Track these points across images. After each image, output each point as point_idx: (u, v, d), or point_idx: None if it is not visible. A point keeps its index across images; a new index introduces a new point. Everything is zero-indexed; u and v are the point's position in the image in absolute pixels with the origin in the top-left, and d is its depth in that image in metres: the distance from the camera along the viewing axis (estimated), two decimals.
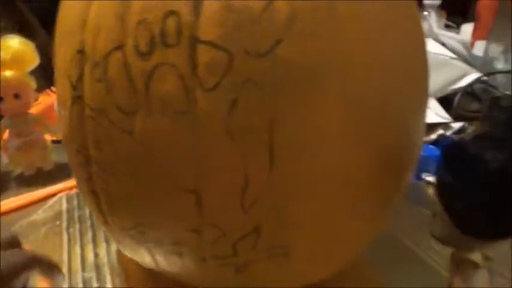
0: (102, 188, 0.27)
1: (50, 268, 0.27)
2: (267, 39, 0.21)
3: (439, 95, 0.65)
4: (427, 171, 0.55)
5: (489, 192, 0.22)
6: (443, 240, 0.26)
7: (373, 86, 0.24)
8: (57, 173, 0.58)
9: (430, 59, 0.77)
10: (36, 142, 0.58)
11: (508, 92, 0.64)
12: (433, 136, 0.58)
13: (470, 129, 0.61)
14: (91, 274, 0.38)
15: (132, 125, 0.23)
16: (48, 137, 0.60)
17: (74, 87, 0.25)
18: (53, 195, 0.52)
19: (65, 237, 0.44)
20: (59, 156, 0.60)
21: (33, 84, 0.55)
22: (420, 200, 0.53)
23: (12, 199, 0.51)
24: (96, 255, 0.41)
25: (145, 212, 0.26)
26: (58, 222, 0.47)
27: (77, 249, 0.42)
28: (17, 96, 0.54)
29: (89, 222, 0.46)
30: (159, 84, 0.22)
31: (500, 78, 0.73)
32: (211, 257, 0.27)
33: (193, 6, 0.21)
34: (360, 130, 0.24)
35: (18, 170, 0.59)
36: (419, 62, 0.31)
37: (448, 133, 0.58)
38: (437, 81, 0.67)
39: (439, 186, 0.24)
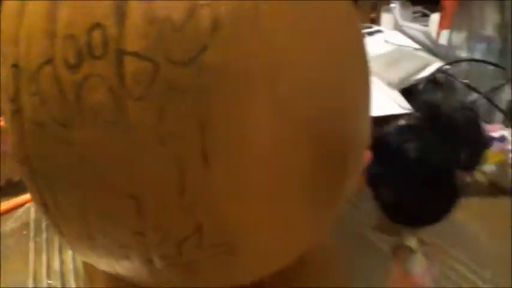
0: (50, 200, 0.28)
1: None
2: (191, 47, 0.22)
3: (403, 86, 0.67)
4: None
5: (410, 180, 0.24)
6: (380, 229, 0.28)
7: (303, 86, 0.26)
8: None
9: (395, 51, 0.79)
10: (5, 153, 0.58)
11: (466, 80, 0.66)
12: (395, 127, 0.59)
13: None
14: (56, 281, 0.39)
15: (69, 136, 0.24)
16: None
17: (12, 101, 0.26)
18: (21, 205, 0.52)
19: (32, 246, 0.45)
20: None
21: None
22: None
23: None
24: (63, 262, 0.42)
25: (92, 219, 0.27)
26: (25, 232, 0.47)
27: (43, 258, 0.43)
28: None
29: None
30: (89, 96, 0.23)
31: (464, 66, 0.75)
32: (158, 258, 0.28)
33: (117, 19, 0.22)
34: (292, 131, 0.25)
35: None
36: (355, 61, 0.32)
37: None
38: (400, 72, 0.68)
39: (368, 176, 0.25)
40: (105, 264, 0.31)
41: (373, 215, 0.28)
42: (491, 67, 0.69)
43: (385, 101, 0.64)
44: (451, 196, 0.25)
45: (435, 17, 0.95)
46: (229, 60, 0.23)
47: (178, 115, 0.23)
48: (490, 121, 0.60)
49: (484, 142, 0.25)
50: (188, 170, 0.24)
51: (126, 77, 0.22)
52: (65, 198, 0.27)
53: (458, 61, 0.70)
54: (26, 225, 0.49)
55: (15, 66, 0.25)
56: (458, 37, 0.77)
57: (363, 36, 0.34)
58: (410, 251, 0.27)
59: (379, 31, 0.86)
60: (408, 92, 0.69)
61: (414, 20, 0.98)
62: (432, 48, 0.80)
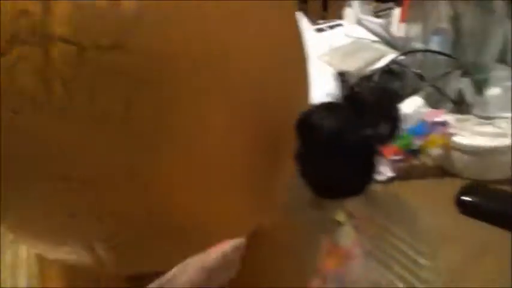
0: None
1: None
2: (115, 31, 0.24)
3: (359, 76, 0.69)
4: None
5: (330, 155, 0.25)
6: (310, 205, 0.29)
7: (236, 71, 0.27)
8: None
9: (352, 44, 0.81)
10: None
11: (418, 70, 0.69)
12: None
13: None
14: (6, 274, 0.39)
15: (2, 120, 0.25)
16: None
17: None
18: None
19: None
20: None
21: None
22: None
23: None
24: (16, 256, 0.42)
25: (30, 204, 0.28)
26: None
27: None
28: None
29: None
30: (19, 79, 0.24)
31: (419, 56, 0.78)
32: (99, 242, 0.29)
33: (44, 5, 0.23)
34: (220, 114, 0.27)
35: None
36: (293, 49, 0.33)
37: None
38: (357, 63, 0.70)
39: (294, 154, 0.27)
40: (52, 253, 0.32)
41: (303, 192, 0.29)
42: (444, 57, 0.72)
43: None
44: (369, 169, 0.27)
45: (397, 11, 0.98)
46: (153, 44, 0.24)
47: (106, 96, 0.24)
48: (440, 108, 0.62)
49: (396, 118, 0.27)
50: (120, 151, 0.25)
51: (54, 61, 0.23)
52: (2, 184, 0.28)
53: (411, 52, 0.73)
54: None
55: None
56: (414, 29, 0.80)
57: (298, 24, 0.35)
58: (339, 224, 0.29)
59: (339, 25, 0.88)
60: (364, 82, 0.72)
61: (376, 14, 1.01)
62: (390, 41, 0.82)
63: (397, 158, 0.53)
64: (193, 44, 0.25)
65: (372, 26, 0.84)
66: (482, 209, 0.46)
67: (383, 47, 0.77)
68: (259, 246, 0.36)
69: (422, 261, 0.41)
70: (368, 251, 0.31)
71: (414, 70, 0.69)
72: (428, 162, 0.57)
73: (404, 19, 0.88)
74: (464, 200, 0.47)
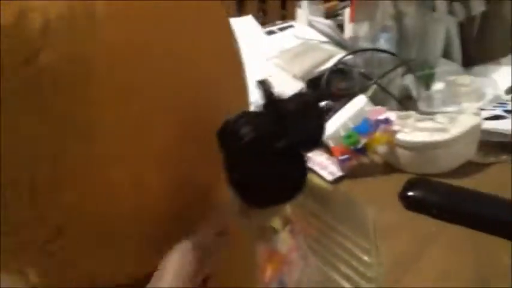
0: None
1: None
2: (22, 51, 0.23)
3: (307, 77, 0.70)
4: None
5: (249, 164, 0.25)
6: (242, 214, 0.29)
7: (147, 84, 0.27)
8: None
9: (301, 45, 0.82)
10: None
11: (362, 70, 0.70)
12: None
13: (338, 106, 0.66)
14: None
15: None
16: None
17: None
18: None
19: None
20: None
21: None
22: None
23: None
24: None
25: None
26: None
27: None
28: None
29: None
30: None
31: (368, 55, 0.80)
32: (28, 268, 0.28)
33: None
34: (137, 129, 0.26)
35: None
36: (217, 54, 0.33)
37: None
38: (305, 64, 0.71)
39: (223, 162, 0.27)
40: None
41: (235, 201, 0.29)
42: (390, 55, 0.74)
43: (290, 93, 0.67)
44: (295, 176, 0.28)
45: (348, 11, 1.00)
46: (63, 62, 0.23)
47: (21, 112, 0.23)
48: (386, 105, 0.64)
49: (319, 125, 0.27)
50: (38, 170, 0.24)
51: None
52: None
53: (357, 51, 0.74)
54: None
55: None
56: (361, 28, 0.82)
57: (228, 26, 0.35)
58: (274, 230, 0.29)
59: (290, 26, 0.89)
60: (317, 83, 0.73)
61: (339, 13, 1.03)
62: (340, 41, 0.84)
63: (344, 157, 0.54)
64: (106, 58, 0.25)
65: (321, 26, 0.86)
66: (425, 203, 0.47)
67: (332, 48, 0.78)
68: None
69: (367, 258, 0.41)
70: (307, 253, 0.32)
71: (359, 69, 0.70)
72: (376, 159, 0.58)
73: (353, 19, 0.90)
74: (407, 195, 0.49)
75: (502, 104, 0.66)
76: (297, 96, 0.28)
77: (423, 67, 0.77)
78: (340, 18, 1.14)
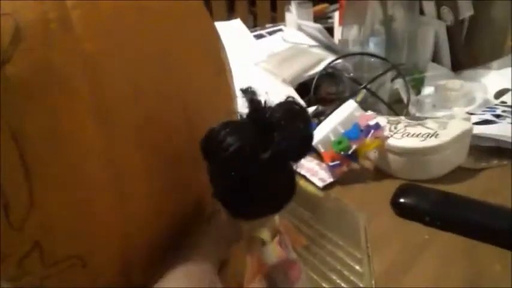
0: None
1: None
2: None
3: (296, 82, 0.69)
4: None
5: (233, 175, 0.24)
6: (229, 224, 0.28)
7: (127, 91, 0.25)
8: None
9: (290, 49, 0.81)
10: None
11: (352, 74, 0.70)
12: None
13: (328, 111, 0.65)
14: None
15: None
16: None
17: None
18: None
19: None
20: None
21: None
22: None
23: None
24: None
25: None
26: None
27: None
28: None
29: None
30: None
31: (358, 59, 0.79)
32: (4, 281, 0.26)
33: None
34: (118, 137, 0.25)
35: None
36: (207, 59, 0.32)
37: None
38: (293, 69, 0.70)
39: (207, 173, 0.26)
40: None
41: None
42: (379, 59, 0.74)
43: (279, 98, 0.66)
44: (281, 186, 0.27)
45: (337, 14, 1.00)
46: (34, 71, 0.22)
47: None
48: (376, 110, 0.63)
49: (305, 135, 0.26)
50: (10, 184, 0.23)
51: None
52: None
53: (347, 55, 0.73)
54: None
55: None
56: (349, 32, 0.82)
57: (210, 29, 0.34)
58: (263, 242, 0.28)
59: (279, 30, 0.88)
60: (306, 87, 0.72)
61: (330, 15, 1.02)
62: (329, 45, 0.83)
63: (335, 163, 0.53)
64: (80, 67, 0.24)
65: (310, 30, 0.85)
66: (417, 210, 0.46)
67: (321, 52, 0.78)
68: None
69: (359, 268, 0.41)
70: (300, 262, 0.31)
71: (347, 74, 0.70)
72: (367, 165, 0.57)
73: (341, 22, 0.90)
74: (399, 202, 0.48)
75: (491, 108, 0.65)
76: (283, 104, 0.27)
77: (413, 71, 0.77)
78: (330, 21, 1.14)
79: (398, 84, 0.71)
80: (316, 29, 0.83)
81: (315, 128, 0.60)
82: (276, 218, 0.29)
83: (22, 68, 0.22)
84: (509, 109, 0.63)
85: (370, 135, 0.52)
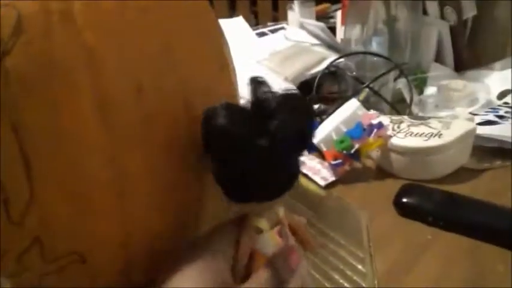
0: None
1: None
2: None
3: (298, 80, 0.69)
4: None
5: (234, 158, 0.24)
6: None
7: (126, 84, 0.25)
8: None
9: (292, 47, 0.81)
10: None
11: (354, 73, 0.69)
12: None
13: (330, 109, 0.65)
14: None
15: None
16: None
17: None
18: None
19: None
20: None
21: None
22: None
23: None
24: None
25: None
26: None
27: None
28: None
29: None
30: None
31: (361, 58, 0.79)
32: (4, 277, 0.26)
33: None
34: (119, 131, 0.25)
35: None
36: (211, 57, 0.32)
37: None
38: (295, 67, 0.70)
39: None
40: None
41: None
42: (382, 59, 0.73)
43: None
44: (280, 174, 0.26)
45: (339, 14, 0.99)
46: (35, 64, 0.22)
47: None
48: (379, 109, 0.63)
49: (307, 124, 0.26)
50: (11, 178, 0.23)
51: None
52: None
53: (349, 54, 0.73)
54: None
55: None
56: (352, 31, 0.81)
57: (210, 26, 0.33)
58: (260, 230, 0.28)
59: (282, 28, 0.88)
60: (307, 86, 0.72)
61: (332, 15, 1.02)
62: (331, 43, 0.83)
63: (337, 161, 0.53)
64: (83, 59, 0.23)
65: (312, 29, 0.85)
66: (420, 210, 0.46)
67: (323, 50, 0.77)
68: None
69: (361, 268, 0.40)
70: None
71: (350, 73, 0.69)
72: (369, 164, 0.57)
73: (344, 22, 0.89)
74: (402, 202, 0.48)
75: (494, 109, 0.65)
76: (286, 95, 0.26)
77: (415, 71, 0.76)
78: (332, 20, 1.14)
79: (401, 83, 0.70)
80: (318, 28, 0.83)
81: (317, 127, 0.59)
82: (281, 210, 0.29)
83: (23, 60, 0.22)
84: None
85: (373, 134, 0.52)
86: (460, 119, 0.54)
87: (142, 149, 0.26)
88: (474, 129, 0.53)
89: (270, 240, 0.28)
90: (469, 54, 0.81)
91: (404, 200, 0.48)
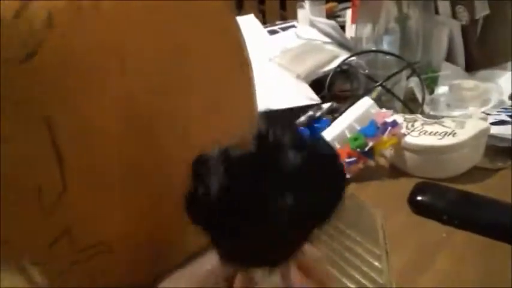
0: None
1: None
2: (24, 44, 0.21)
3: (310, 78, 0.69)
4: None
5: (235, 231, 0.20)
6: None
7: (152, 77, 0.25)
8: None
9: (304, 45, 0.81)
10: None
11: (367, 71, 0.69)
12: (303, 118, 0.61)
13: (342, 107, 0.65)
14: None
15: None
16: None
17: None
18: None
19: None
20: None
21: None
22: None
23: None
24: None
25: None
26: None
27: None
28: None
29: None
30: None
31: (372, 56, 0.79)
32: (30, 264, 0.26)
33: None
34: (140, 121, 0.25)
35: None
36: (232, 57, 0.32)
37: (318, 114, 0.62)
38: (308, 65, 0.70)
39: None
40: None
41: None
42: (394, 57, 0.73)
43: (294, 93, 0.66)
44: (293, 243, 0.21)
45: (350, 12, 0.99)
46: (65, 58, 0.22)
47: (22, 113, 0.22)
48: (391, 108, 0.63)
49: (337, 190, 0.20)
50: (42, 170, 0.23)
51: None
52: None
53: (362, 53, 0.73)
54: None
55: None
56: (363, 30, 0.81)
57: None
58: (254, 283, 0.24)
59: (292, 26, 0.88)
60: (319, 84, 0.72)
61: (339, 14, 1.02)
62: (342, 42, 0.83)
63: (351, 159, 0.53)
64: (110, 51, 0.24)
65: (323, 27, 0.85)
66: (435, 209, 0.46)
67: (335, 49, 0.77)
68: None
69: (378, 264, 0.40)
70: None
71: (362, 71, 0.69)
72: (383, 162, 0.57)
73: (354, 20, 0.89)
74: (416, 200, 0.48)
75: (506, 109, 0.65)
76: (314, 152, 0.19)
77: (427, 70, 0.76)
78: (339, 20, 1.13)
79: (413, 82, 0.71)
80: (329, 26, 0.83)
81: (329, 125, 0.59)
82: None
83: (53, 54, 0.22)
84: None
85: (387, 133, 0.52)
86: (474, 118, 0.55)
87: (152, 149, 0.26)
88: (488, 129, 0.53)
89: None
90: (480, 54, 0.81)
91: (419, 198, 0.48)
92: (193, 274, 0.26)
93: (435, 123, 0.54)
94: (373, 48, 0.77)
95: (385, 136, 0.52)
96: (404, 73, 0.69)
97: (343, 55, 0.75)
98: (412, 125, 0.54)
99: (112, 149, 0.24)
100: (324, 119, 0.62)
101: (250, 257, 0.21)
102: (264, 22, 1.60)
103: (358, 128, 0.55)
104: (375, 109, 0.57)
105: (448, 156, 0.51)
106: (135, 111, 0.24)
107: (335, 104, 0.64)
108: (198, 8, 0.29)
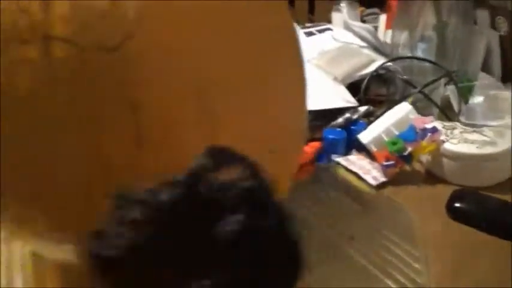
0: None
1: None
2: (116, 34, 0.23)
3: (348, 81, 0.70)
4: (335, 153, 0.59)
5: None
6: None
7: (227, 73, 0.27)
8: None
9: (341, 48, 0.82)
10: None
11: (405, 77, 0.70)
12: (341, 120, 0.62)
13: (378, 111, 0.65)
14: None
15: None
16: None
17: None
18: None
19: None
20: None
21: None
22: (333, 182, 0.57)
23: None
24: (11, 255, 0.41)
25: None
26: None
27: None
28: None
29: None
30: (18, 79, 0.23)
31: (408, 63, 0.79)
32: None
33: (43, 5, 0.22)
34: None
35: None
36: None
37: (355, 116, 0.62)
38: (345, 68, 0.71)
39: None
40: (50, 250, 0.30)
41: None
42: (430, 65, 0.73)
43: (331, 95, 0.67)
44: None
45: (383, 17, 0.99)
46: (154, 46, 0.24)
47: (108, 99, 0.23)
48: (426, 114, 0.63)
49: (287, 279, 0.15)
50: (119, 155, 0.24)
51: (54, 62, 0.22)
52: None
53: (397, 58, 0.74)
54: None
55: None
56: (400, 36, 0.81)
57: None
58: None
59: (328, 29, 0.89)
60: (356, 87, 0.72)
61: (365, 19, 1.02)
62: (378, 46, 0.83)
63: (389, 163, 0.53)
64: (191, 45, 0.25)
65: (359, 31, 0.85)
66: (474, 216, 0.46)
67: (371, 53, 0.78)
68: None
69: (418, 266, 0.41)
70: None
71: (400, 76, 0.70)
72: (419, 168, 0.57)
73: (390, 26, 0.90)
74: (455, 207, 0.48)
75: None
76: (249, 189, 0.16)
77: (462, 79, 0.76)
78: (368, 24, 1.13)
79: (449, 90, 0.70)
80: (365, 30, 0.83)
81: (365, 128, 0.60)
82: None
83: (144, 43, 0.23)
84: None
85: (426, 138, 0.52)
86: None
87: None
88: None
89: None
90: None
91: (458, 204, 0.48)
92: None
93: (474, 131, 0.54)
94: (408, 55, 0.77)
95: (425, 142, 0.52)
96: (442, 81, 0.69)
97: (379, 59, 0.76)
98: (451, 132, 0.54)
99: (187, 131, 0.25)
100: (360, 121, 0.63)
101: None
102: None
103: (396, 132, 0.56)
104: (414, 114, 0.58)
105: (487, 165, 0.51)
106: (206, 105, 0.26)
107: (371, 108, 0.65)
108: (256, 6, 0.30)
